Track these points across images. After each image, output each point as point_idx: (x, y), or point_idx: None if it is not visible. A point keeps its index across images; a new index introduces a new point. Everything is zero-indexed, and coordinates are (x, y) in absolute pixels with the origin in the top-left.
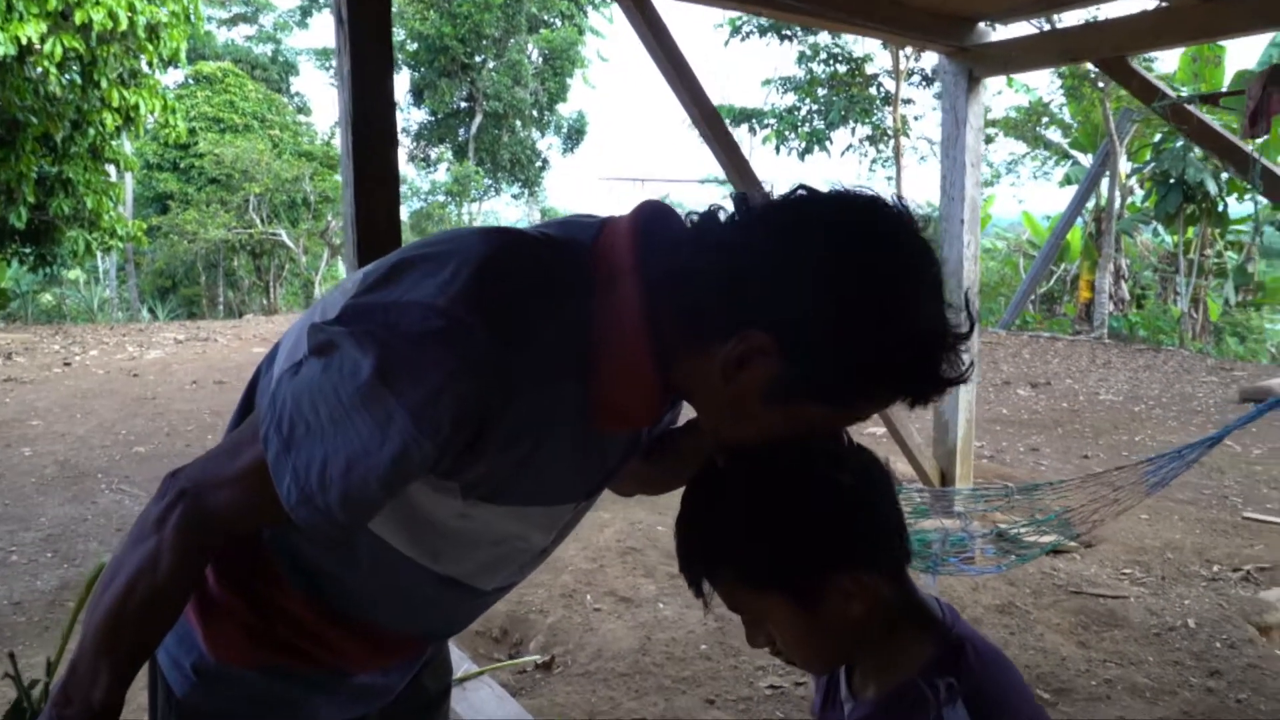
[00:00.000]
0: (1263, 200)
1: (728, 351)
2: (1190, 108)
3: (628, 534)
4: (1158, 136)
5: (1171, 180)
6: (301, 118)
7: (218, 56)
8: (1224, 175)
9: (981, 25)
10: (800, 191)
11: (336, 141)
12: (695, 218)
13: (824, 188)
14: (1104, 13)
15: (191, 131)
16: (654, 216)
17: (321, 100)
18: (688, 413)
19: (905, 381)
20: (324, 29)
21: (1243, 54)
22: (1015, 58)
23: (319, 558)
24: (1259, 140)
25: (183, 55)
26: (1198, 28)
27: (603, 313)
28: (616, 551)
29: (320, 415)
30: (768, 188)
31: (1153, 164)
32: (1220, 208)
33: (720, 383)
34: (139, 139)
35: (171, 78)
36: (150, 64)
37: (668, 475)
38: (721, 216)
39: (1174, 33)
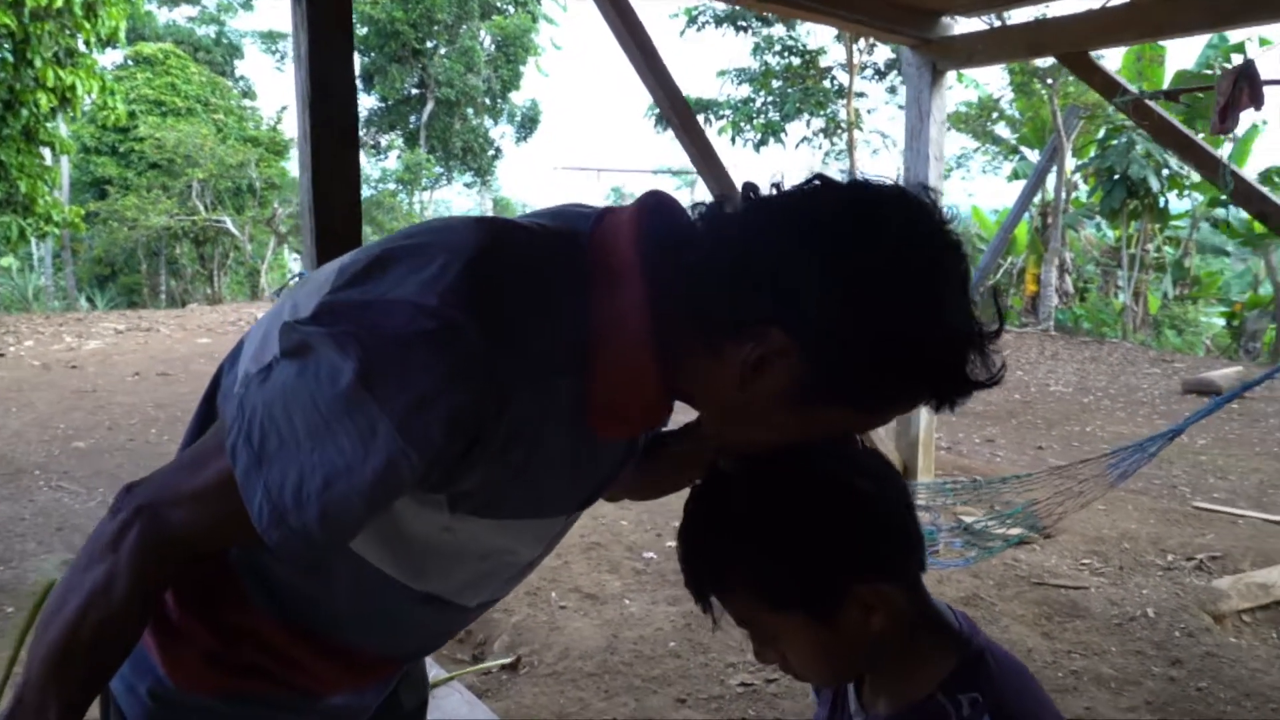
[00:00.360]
0: (1200, 197)
1: (746, 353)
2: (1152, 104)
3: (591, 529)
4: (1101, 133)
5: (1116, 176)
6: (247, 102)
7: (158, 37)
8: (1165, 172)
9: (945, 19)
10: (816, 182)
11: (284, 126)
12: (701, 210)
13: (841, 178)
14: (1061, 9)
15: (131, 114)
16: (658, 208)
17: (267, 84)
18: (680, 415)
19: (933, 382)
20: (269, 11)
21: (1181, 54)
22: (979, 51)
23: (290, 576)
24: (1199, 136)
25: (122, 35)
26: (1159, 24)
27: (602, 309)
28: (580, 547)
29: (295, 425)
30: (778, 178)
31: (1097, 160)
32: (1161, 204)
33: (733, 385)
34: (75, 121)
35: (110, 58)
36: (87, 43)
37: (661, 482)
38: (728, 209)
39: (1136, 29)
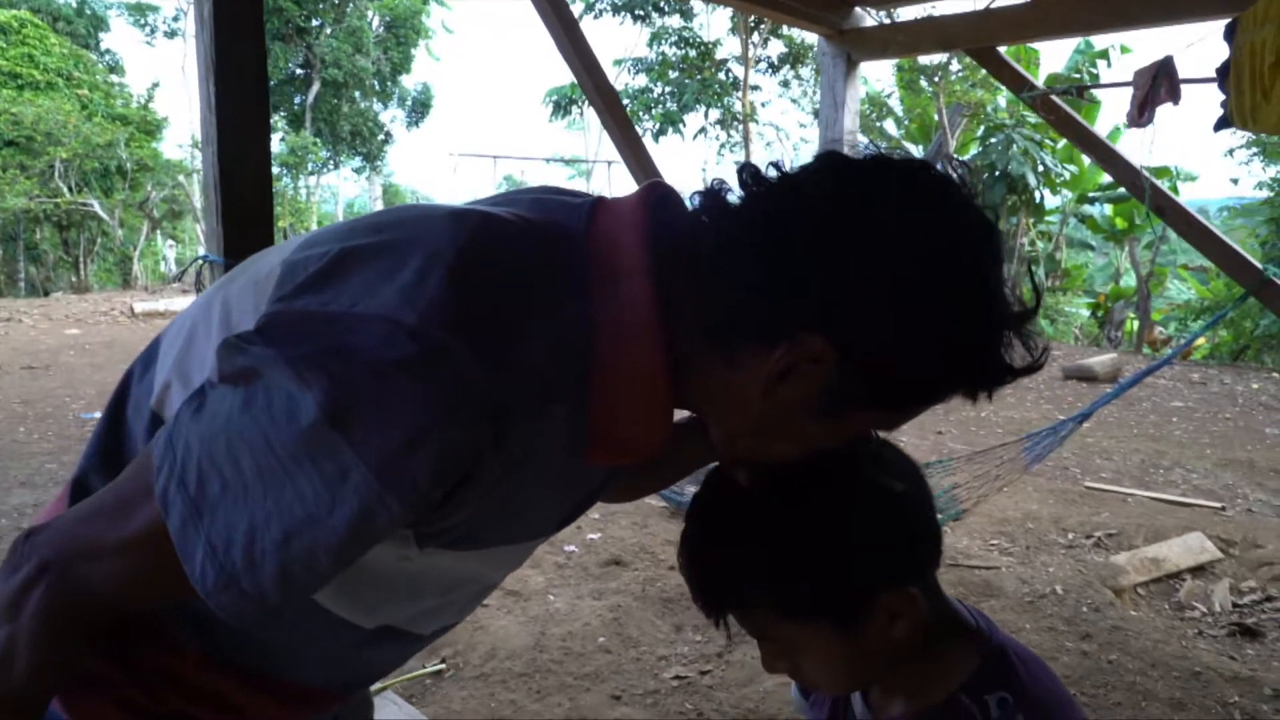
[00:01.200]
0: (1069, 194)
1: (773, 360)
2: (1059, 101)
3: None
4: (982, 130)
5: (996, 172)
6: (114, 78)
7: (12, 4)
8: (1040, 169)
9: (859, 9)
10: (833, 159)
11: (156, 105)
12: (700, 200)
13: (857, 154)
14: (967, 5)
15: None
16: (663, 201)
17: (136, 60)
18: None
19: (976, 373)
20: None
21: (1052, 59)
22: (894, 43)
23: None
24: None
25: None
26: (1066, 22)
27: (606, 321)
28: None
29: (243, 468)
30: (775, 159)
31: (979, 156)
32: (1038, 199)
33: (754, 395)
34: None
35: None
36: None
37: (638, 487)
38: (733, 199)
39: (1044, 26)
